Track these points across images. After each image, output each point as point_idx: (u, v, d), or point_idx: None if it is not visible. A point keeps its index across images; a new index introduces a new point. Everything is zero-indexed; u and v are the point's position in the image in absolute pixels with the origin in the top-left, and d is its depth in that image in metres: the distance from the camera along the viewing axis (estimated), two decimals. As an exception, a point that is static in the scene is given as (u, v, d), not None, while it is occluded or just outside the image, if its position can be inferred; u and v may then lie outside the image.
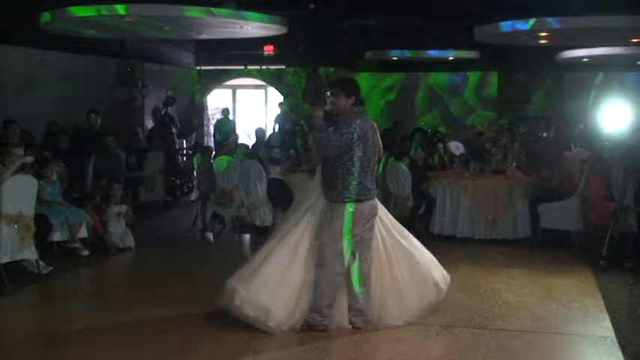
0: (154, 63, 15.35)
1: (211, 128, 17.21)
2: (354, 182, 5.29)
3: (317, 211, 5.48)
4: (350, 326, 5.50)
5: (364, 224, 5.42)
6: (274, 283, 5.32)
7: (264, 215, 9.52)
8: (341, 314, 5.49)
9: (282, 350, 5.13)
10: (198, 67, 17.83)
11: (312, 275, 5.37)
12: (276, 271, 5.36)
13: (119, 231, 8.55)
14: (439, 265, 6.06)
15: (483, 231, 9.15)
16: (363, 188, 5.34)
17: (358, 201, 5.33)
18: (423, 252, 5.98)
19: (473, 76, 18.25)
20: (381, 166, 10.16)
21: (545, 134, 11.69)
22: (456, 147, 11.35)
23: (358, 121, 5.31)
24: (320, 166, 5.57)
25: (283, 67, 17.28)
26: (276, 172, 9.82)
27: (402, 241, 5.83)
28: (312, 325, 5.37)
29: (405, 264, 5.74)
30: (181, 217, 11.18)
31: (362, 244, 5.44)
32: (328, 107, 5.38)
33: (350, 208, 5.30)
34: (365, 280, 5.47)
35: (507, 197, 9.14)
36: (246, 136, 15.28)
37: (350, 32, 15.97)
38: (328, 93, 5.43)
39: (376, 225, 5.58)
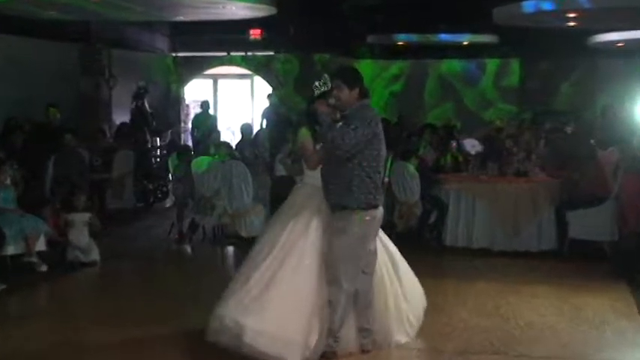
0: (123, 49, 15.34)
1: (189, 124, 17.20)
2: (371, 185, 5.28)
3: (321, 221, 5.45)
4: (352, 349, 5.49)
5: (376, 233, 5.46)
6: (291, 311, 5.21)
7: (250, 224, 9.49)
8: (348, 336, 5.46)
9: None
10: (174, 54, 17.83)
11: (324, 296, 5.29)
12: (290, 295, 5.25)
13: (82, 243, 8.52)
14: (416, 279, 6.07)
15: (503, 242, 9.15)
16: (378, 192, 5.36)
17: (374, 207, 5.34)
18: (406, 264, 5.99)
19: (491, 64, 18.30)
20: (387, 169, 10.16)
21: (573, 130, 11.73)
22: (472, 145, 11.35)
23: (372, 115, 5.33)
24: (320, 169, 5.52)
25: (272, 53, 17.29)
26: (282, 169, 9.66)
27: (394, 251, 5.89)
28: (325, 351, 5.31)
29: (399, 277, 5.81)
30: (155, 226, 11.16)
31: (370, 256, 5.45)
32: (332, 101, 5.35)
33: (367, 215, 5.29)
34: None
35: (530, 203, 9.14)
36: (229, 133, 15.26)
37: (349, 13, 15.97)
38: (317, 84, 5.48)
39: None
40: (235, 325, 5.17)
